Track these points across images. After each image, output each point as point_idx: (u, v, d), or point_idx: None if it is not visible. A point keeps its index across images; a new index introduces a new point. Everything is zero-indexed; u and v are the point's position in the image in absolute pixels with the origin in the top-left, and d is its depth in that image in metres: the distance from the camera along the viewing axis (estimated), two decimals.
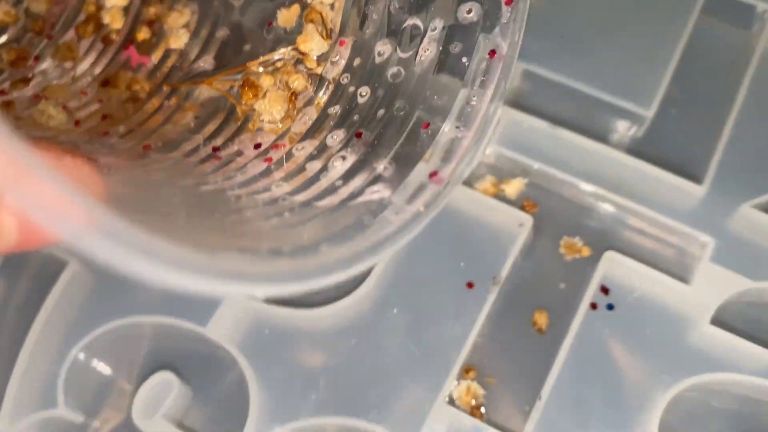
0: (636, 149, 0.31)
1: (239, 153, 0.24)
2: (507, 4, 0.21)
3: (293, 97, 0.24)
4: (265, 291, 0.15)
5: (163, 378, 0.27)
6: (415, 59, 0.23)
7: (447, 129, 0.22)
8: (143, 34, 0.26)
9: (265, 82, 0.23)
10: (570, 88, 0.31)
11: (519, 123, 0.30)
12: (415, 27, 0.23)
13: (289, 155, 0.23)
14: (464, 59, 0.22)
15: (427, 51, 0.23)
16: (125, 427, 0.27)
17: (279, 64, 0.24)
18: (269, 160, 0.23)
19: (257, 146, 0.23)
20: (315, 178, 0.22)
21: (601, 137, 0.30)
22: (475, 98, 0.22)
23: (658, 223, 0.29)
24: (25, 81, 0.25)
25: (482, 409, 0.26)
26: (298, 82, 0.24)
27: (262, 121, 0.24)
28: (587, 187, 0.29)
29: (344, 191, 0.21)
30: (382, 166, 0.22)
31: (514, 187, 0.30)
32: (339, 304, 0.27)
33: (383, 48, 0.23)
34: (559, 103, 0.31)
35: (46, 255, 0.30)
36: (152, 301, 0.28)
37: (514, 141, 0.30)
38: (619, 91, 0.31)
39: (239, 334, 0.27)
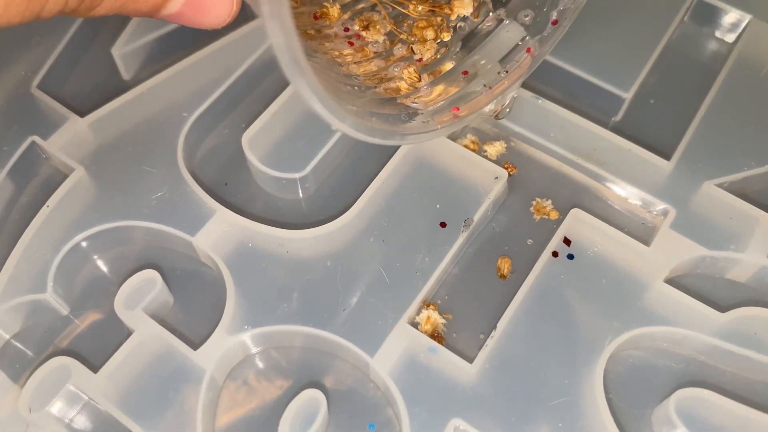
0: (612, 127, 0.33)
1: (330, 26, 0.29)
2: (553, 24, 0.28)
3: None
4: (337, 126, 0.21)
5: (148, 275, 0.28)
6: (478, 26, 0.29)
7: (476, 83, 0.28)
8: None
9: (429, 34, 0.29)
10: (558, 68, 0.33)
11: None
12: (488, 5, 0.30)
13: (363, 50, 0.29)
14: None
15: (489, 24, 0.29)
16: (107, 321, 0.29)
17: (438, 19, 0.29)
18: (351, 43, 0.28)
19: (346, 29, 0.28)
20: (377, 74, 0.28)
21: (583, 113, 0.32)
22: (505, 74, 0.29)
23: (625, 191, 0.31)
24: None
25: (441, 337, 0.28)
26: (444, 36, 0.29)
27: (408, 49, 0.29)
28: (563, 154, 0.32)
29: (394, 92, 0.27)
30: (425, 87, 0.28)
31: (495, 149, 0.32)
32: (321, 228, 0.29)
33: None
34: (547, 80, 0.34)
35: (54, 167, 0.32)
36: (148, 209, 0.30)
37: None
38: (601, 74, 0.33)
39: (224, 246, 0.29)
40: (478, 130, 0.33)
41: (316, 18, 0.28)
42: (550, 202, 0.31)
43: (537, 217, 0.31)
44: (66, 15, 0.18)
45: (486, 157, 0.32)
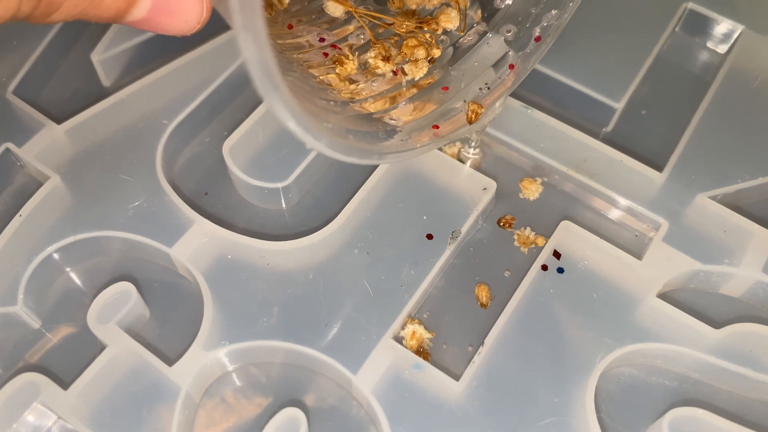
0: (603, 137, 0.32)
1: (301, 35, 0.28)
2: (536, 40, 0.28)
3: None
4: (311, 143, 0.19)
5: (123, 288, 0.27)
6: (459, 40, 0.29)
7: (457, 100, 0.27)
8: None
9: (420, 53, 0.27)
10: (549, 77, 0.33)
11: None
12: (471, 18, 0.29)
13: (340, 59, 0.27)
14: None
15: (470, 38, 0.28)
16: (80, 336, 0.28)
17: (427, 36, 0.28)
18: (325, 54, 0.27)
19: (321, 40, 0.27)
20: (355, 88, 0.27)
21: (573, 123, 0.32)
22: (488, 89, 0.28)
23: (617, 204, 0.30)
24: None
25: (426, 353, 0.27)
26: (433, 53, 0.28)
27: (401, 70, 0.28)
28: (553, 164, 0.31)
29: (372, 107, 0.26)
30: (403, 102, 0.27)
31: (537, 191, 0.31)
32: (303, 240, 0.28)
33: None
34: (537, 90, 0.33)
35: (29, 175, 0.31)
36: (125, 219, 0.29)
37: None
38: (593, 84, 0.32)
39: (202, 258, 0.28)
40: (464, 138, 0.32)
41: (290, 28, 0.27)
42: (529, 229, 0.30)
43: (524, 249, 0.30)
44: (20, 21, 0.17)
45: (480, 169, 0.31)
